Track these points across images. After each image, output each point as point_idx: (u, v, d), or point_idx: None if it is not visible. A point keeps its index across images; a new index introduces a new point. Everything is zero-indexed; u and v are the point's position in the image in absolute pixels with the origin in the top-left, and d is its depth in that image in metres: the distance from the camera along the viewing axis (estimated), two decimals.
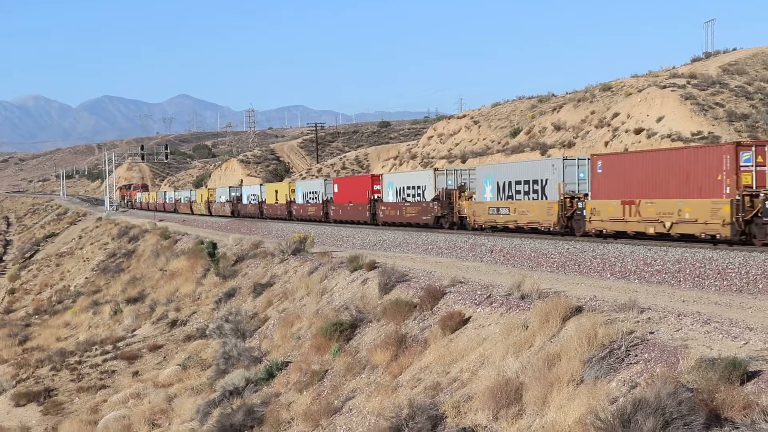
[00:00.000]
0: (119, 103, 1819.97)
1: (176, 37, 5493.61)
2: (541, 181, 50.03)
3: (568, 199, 47.25)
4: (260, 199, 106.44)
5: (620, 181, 43.19)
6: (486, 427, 17.95)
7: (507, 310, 23.14)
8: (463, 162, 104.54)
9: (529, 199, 51.03)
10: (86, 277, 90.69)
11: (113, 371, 43.91)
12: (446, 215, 60.90)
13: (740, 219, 35.62)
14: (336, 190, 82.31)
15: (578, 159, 49.43)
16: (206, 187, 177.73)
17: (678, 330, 17.86)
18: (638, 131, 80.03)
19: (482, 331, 22.88)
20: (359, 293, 33.07)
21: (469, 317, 24.29)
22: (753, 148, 36.69)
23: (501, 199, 53.72)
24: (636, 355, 16.63)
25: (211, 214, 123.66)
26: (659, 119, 79.43)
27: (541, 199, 49.67)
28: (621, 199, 42.52)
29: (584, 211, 45.29)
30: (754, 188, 35.97)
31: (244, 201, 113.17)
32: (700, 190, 38.27)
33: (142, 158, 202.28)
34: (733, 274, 27.75)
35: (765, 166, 36.04)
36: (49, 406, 39.97)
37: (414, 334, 25.75)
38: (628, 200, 42.06)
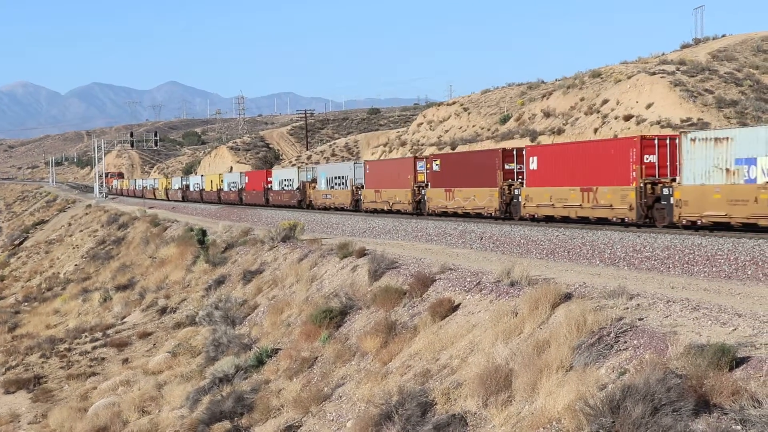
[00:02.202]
0: (108, 90, 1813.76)
1: (166, 23, 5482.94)
2: (346, 176, 74.10)
3: (355, 189, 71.56)
4: (201, 187, 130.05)
5: (376, 177, 68.58)
6: (475, 413, 17.97)
7: (496, 297, 23.16)
8: (453, 149, 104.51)
9: (339, 188, 75.35)
10: (76, 265, 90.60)
11: (103, 358, 43.90)
12: (303, 199, 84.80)
13: (414, 200, 61.15)
14: (247, 181, 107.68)
15: (363, 162, 73.58)
16: (195, 173, 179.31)
17: (667, 316, 17.89)
18: (627, 118, 80.00)
19: (472, 318, 22.90)
20: (349, 280, 33.08)
21: (459, 304, 24.31)
22: (425, 160, 62.54)
23: (328, 188, 78.37)
24: (625, 342, 16.65)
25: (168, 199, 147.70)
26: (648, 106, 79.42)
27: (345, 188, 73.75)
28: (374, 189, 67.82)
29: (361, 196, 70.31)
30: (425, 182, 60.43)
31: (191, 188, 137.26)
32: (403, 183, 62.99)
33: (132, 145, 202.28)
34: (722, 261, 27.82)
35: (430, 170, 59.58)
36: (39, 393, 39.95)
37: (404, 321, 25.76)
38: (377, 190, 67.32)
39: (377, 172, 68.66)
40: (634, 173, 40.72)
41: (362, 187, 70.21)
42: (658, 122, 74.66)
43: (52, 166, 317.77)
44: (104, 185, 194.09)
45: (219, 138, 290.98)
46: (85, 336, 49.87)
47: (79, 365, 43.60)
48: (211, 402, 28.57)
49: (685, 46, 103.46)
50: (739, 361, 14.26)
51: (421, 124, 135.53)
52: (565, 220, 44.82)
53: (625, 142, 43.25)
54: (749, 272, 26.03)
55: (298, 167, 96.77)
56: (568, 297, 20.58)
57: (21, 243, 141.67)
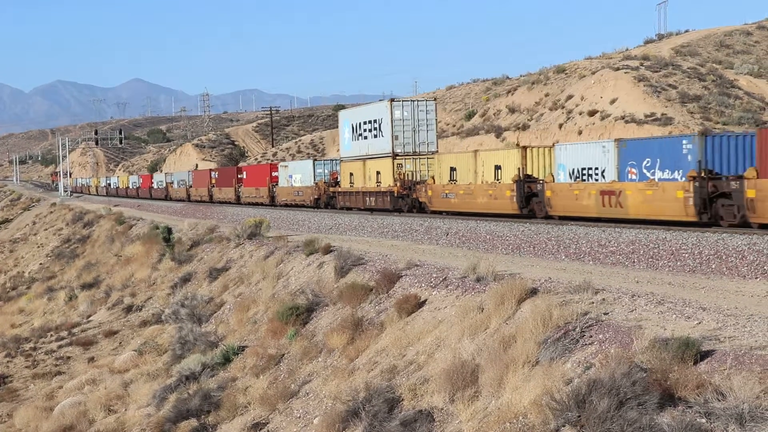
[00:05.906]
0: (72, 87, 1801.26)
1: (129, 20, 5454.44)
2: (185, 179, 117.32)
3: (188, 188, 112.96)
4: (117, 185, 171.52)
5: (196, 180, 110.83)
6: (442, 409, 18.00)
7: (463, 293, 23.18)
8: None
9: (182, 187, 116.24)
10: (41, 263, 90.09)
11: (68, 357, 43.64)
12: (167, 194, 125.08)
13: (209, 194, 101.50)
14: (141, 181, 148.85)
15: (192, 171, 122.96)
16: (160, 170, 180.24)
17: (632, 311, 17.97)
18: (592, 113, 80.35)
19: (438, 313, 22.92)
20: (315, 277, 33.02)
21: (425, 300, 24.32)
22: (214, 171, 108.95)
23: (178, 187, 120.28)
24: (591, 336, 16.71)
25: (98, 194, 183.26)
26: (613, 101, 79.80)
27: (184, 187, 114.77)
28: (195, 188, 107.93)
29: (191, 192, 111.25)
30: (213, 184, 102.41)
31: (112, 186, 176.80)
32: (205, 184, 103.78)
33: (96, 143, 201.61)
34: (687, 255, 27.94)
35: (215, 176, 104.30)
36: (4, 393, 39.64)
37: (370, 317, 25.75)
38: (196, 188, 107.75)
39: (197, 177, 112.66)
40: (267, 180, 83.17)
41: (191, 186, 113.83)
42: (623, 117, 75.02)
43: (16, 164, 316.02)
44: (53, 182, 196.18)
45: (184, 135, 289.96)
46: (51, 335, 49.56)
47: (44, 364, 43.33)
48: (177, 400, 28.48)
49: (648, 42, 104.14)
50: (704, 355, 14.33)
51: None
52: (253, 204, 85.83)
53: (266, 166, 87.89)
54: (713, 266, 26.17)
55: (166, 174, 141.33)
56: (533, 292, 20.62)
57: None
